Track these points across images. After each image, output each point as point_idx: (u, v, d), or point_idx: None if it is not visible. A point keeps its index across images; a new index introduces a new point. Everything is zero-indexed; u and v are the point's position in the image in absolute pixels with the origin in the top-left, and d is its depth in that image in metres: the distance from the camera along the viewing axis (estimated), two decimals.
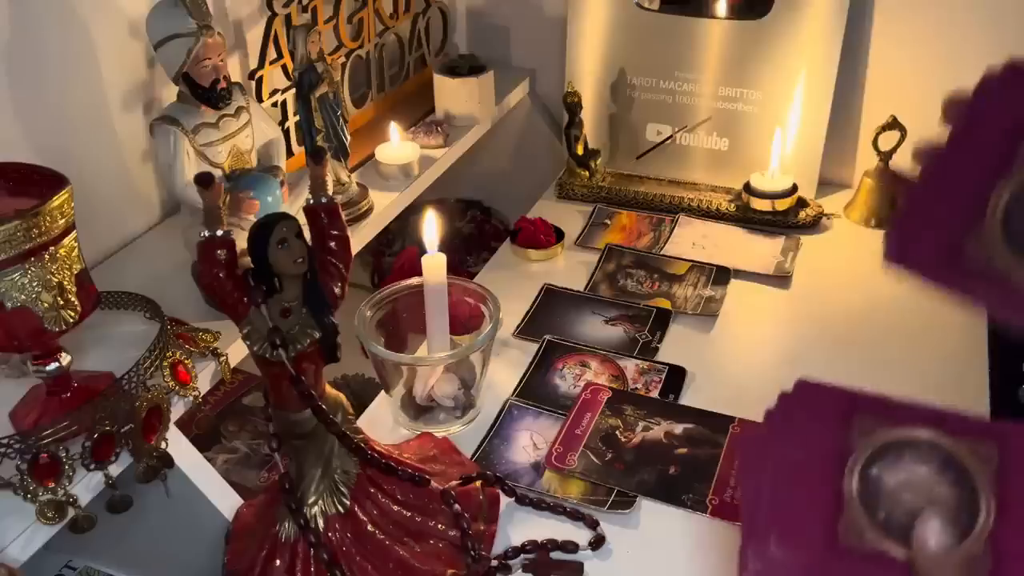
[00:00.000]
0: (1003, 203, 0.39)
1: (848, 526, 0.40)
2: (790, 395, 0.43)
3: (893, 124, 1.11)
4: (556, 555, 0.73)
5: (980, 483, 0.38)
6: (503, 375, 0.93)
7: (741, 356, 0.96)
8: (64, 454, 0.60)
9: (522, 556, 0.72)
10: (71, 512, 0.60)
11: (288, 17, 0.99)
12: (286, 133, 1.03)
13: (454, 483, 0.77)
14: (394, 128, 1.09)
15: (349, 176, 0.99)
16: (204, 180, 0.63)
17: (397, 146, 1.08)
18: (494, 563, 0.71)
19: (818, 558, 0.40)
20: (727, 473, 0.79)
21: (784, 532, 0.40)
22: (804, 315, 1.02)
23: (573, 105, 1.19)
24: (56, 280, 0.59)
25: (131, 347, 0.70)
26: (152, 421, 0.66)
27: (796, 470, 0.41)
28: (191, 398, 0.71)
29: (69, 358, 0.64)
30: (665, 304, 1.03)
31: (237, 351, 0.76)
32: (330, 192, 0.68)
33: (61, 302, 0.59)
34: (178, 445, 0.70)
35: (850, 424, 0.41)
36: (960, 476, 0.39)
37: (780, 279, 1.07)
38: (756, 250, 1.12)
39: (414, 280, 0.88)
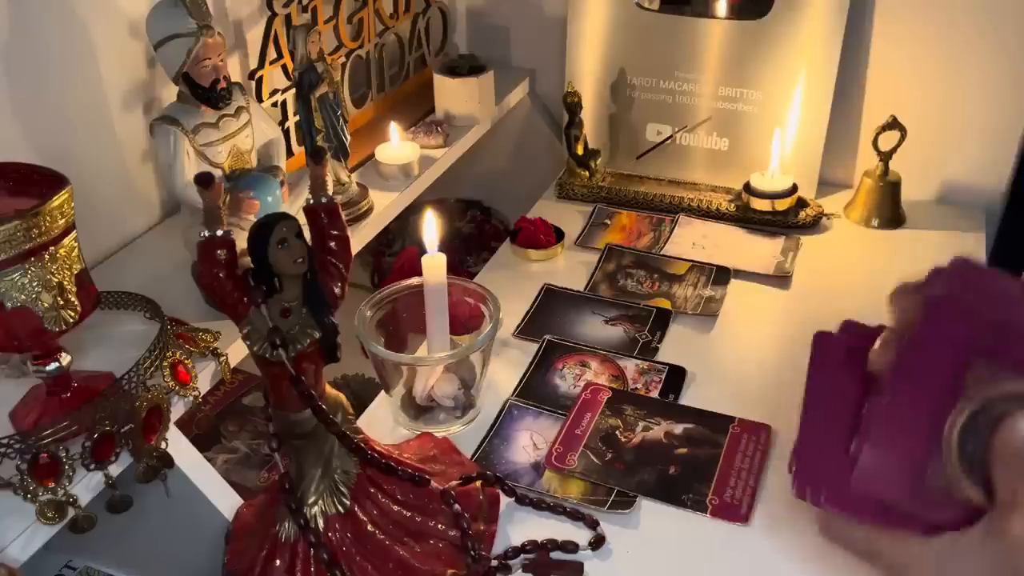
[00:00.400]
0: (956, 434, 0.38)
1: (937, 472, 0.38)
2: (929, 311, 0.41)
3: (893, 124, 1.11)
4: (556, 555, 0.73)
5: None
6: (503, 375, 0.93)
7: (741, 356, 0.96)
8: (64, 454, 0.60)
9: (522, 556, 0.72)
10: (71, 512, 0.60)
11: (288, 17, 0.99)
12: (286, 133, 1.03)
13: (454, 483, 0.77)
14: (394, 128, 1.09)
15: (349, 176, 0.99)
16: (204, 180, 0.63)
17: (397, 146, 1.08)
18: (494, 563, 0.71)
19: (898, 495, 0.38)
20: (727, 473, 0.80)
21: (867, 466, 0.39)
22: (804, 315, 1.01)
23: (573, 105, 1.19)
24: (56, 280, 0.59)
25: (131, 347, 0.70)
26: (152, 421, 0.66)
27: (896, 400, 0.40)
28: (191, 398, 0.71)
29: (69, 358, 0.64)
30: (665, 304, 1.03)
31: (237, 351, 0.76)
32: (330, 192, 0.68)
33: (61, 302, 0.59)
34: (178, 445, 0.70)
35: (968, 364, 0.39)
36: None
37: (780, 279, 1.07)
38: (756, 250, 1.12)
39: (414, 280, 0.88)
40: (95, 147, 0.86)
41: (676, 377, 0.91)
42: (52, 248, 0.58)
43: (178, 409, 0.70)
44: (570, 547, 0.73)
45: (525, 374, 0.93)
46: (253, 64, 0.98)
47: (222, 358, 0.75)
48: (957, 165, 1.18)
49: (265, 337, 0.64)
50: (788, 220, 1.15)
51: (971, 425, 0.38)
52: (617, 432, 0.84)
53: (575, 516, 0.76)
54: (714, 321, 1.00)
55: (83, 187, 0.65)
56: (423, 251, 0.85)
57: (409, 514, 0.73)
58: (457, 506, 0.74)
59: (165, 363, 0.69)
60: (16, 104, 0.77)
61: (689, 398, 0.89)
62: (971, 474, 0.38)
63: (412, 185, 1.07)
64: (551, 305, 1.04)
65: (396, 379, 0.87)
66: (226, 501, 0.75)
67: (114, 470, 0.64)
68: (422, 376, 0.86)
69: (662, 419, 0.86)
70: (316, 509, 0.69)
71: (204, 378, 0.73)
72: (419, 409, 0.88)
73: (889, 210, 1.16)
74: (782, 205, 1.15)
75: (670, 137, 1.24)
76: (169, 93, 0.85)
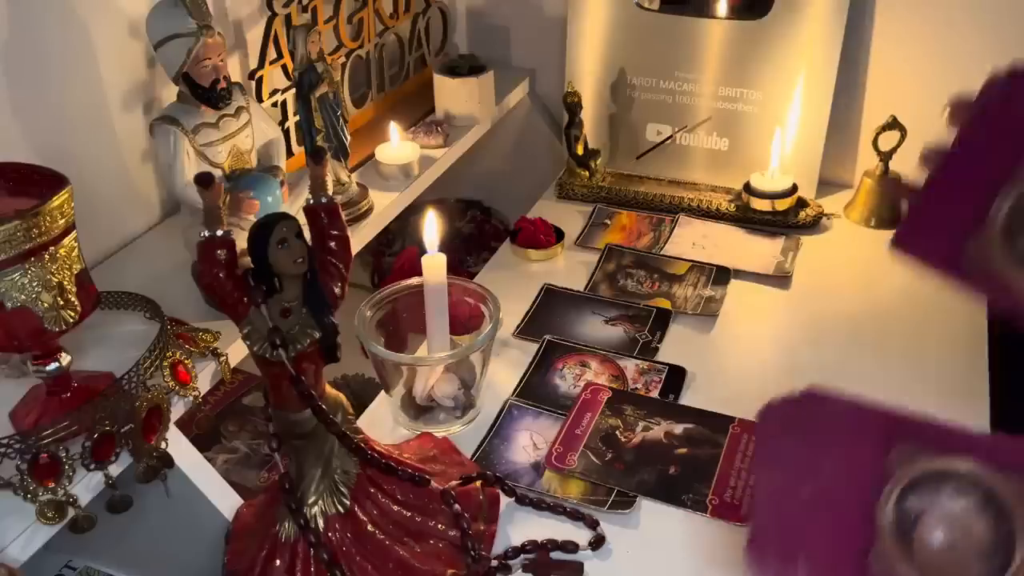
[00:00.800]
0: (1004, 212, 0.39)
1: (879, 557, 0.38)
2: (817, 402, 0.42)
3: (893, 124, 1.11)
4: (556, 555, 0.73)
5: (1019, 523, 0.37)
6: (503, 375, 0.93)
7: (741, 356, 0.96)
8: (64, 454, 0.60)
9: (522, 556, 0.72)
10: (71, 512, 0.60)
11: (288, 17, 0.99)
12: (286, 133, 1.03)
13: (454, 483, 0.77)
14: (394, 128, 1.09)
15: (349, 176, 0.99)
16: (204, 180, 0.63)
17: (397, 146, 1.08)
18: (494, 563, 0.71)
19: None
20: (727, 473, 0.80)
21: (812, 556, 0.39)
22: (804, 315, 1.02)
23: (573, 105, 1.19)
24: (56, 280, 0.59)
25: (131, 347, 0.70)
26: (152, 421, 0.66)
27: (827, 491, 0.40)
28: (191, 398, 0.71)
29: (69, 358, 0.64)
30: (665, 304, 1.03)
31: (237, 351, 0.76)
32: (330, 192, 0.68)
33: (61, 302, 0.59)
34: (178, 445, 0.70)
35: (888, 449, 0.40)
36: (999, 513, 0.37)
37: (780, 279, 1.07)
38: (756, 250, 1.12)
39: (414, 280, 0.88)
40: (95, 147, 0.86)
41: (676, 377, 0.91)
42: (52, 248, 0.58)
43: (178, 409, 0.70)
44: (570, 547, 0.73)
45: (525, 374, 0.93)
46: (253, 64, 0.98)
47: (222, 358, 0.75)
48: None
49: (265, 337, 0.64)
50: (788, 220, 1.15)
51: (1017, 210, 0.38)
52: (617, 432, 0.84)
53: (575, 516, 0.76)
54: (714, 321, 1.00)
55: (83, 187, 0.65)
56: (423, 251, 0.85)
57: (409, 514, 0.73)
58: (457, 506, 0.74)
59: (165, 363, 0.69)
60: (16, 104, 0.77)
61: (689, 398, 0.89)
62: (1011, 252, 0.38)
63: (412, 185, 1.07)
64: (551, 305, 1.04)
65: (396, 379, 0.87)
66: (226, 501, 0.75)
67: (114, 470, 0.64)
68: (422, 376, 0.86)
69: (662, 419, 0.86)
70: (316, 509, 0.69)
71: (204, 378, 0.73)
72: (419, 409, 0.88)
73: (889, 210, 1.15)
74: (782, 205, 1.15)
75: (670, 137, 1.24)
76: (169, 93, 0.85)
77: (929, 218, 0.42)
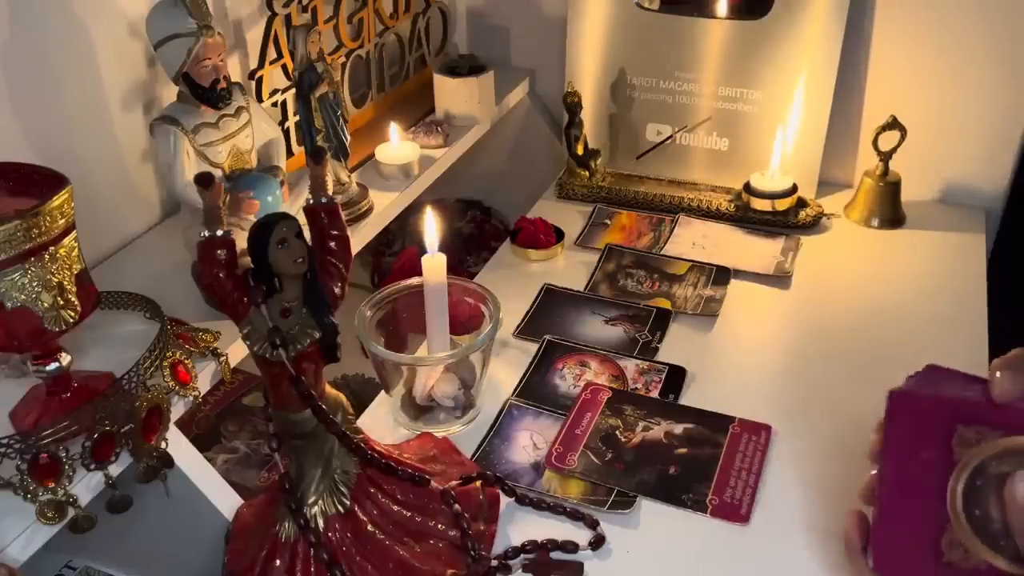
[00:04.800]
0: (959, 499, 0.39)
1: (953, 542, 0.39)
2: (892, 403, 0.43)
3: (893, 124, 1.11)
4: (556, 555, 0.73)
5: None
6: (503, 375, 0.93)
7: (741, 356, 0.96)
8: (64, 454, 0.60)
9: (522, 556, 0.72)
10: (71, 512, 0.60)
11: (288, 17, 0.99)
12: (286, 133, 1.03)
13: (454, 483, 0.77)
14: (394, 128, 1.09)
15: (349, 176, 0.99)
16: (204, 180, 0.63)
17: (397, 146, 1.08)
18: (494, 563, 0.71)
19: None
20: (727, 473, 0.80)
21: (885, 552, 0.40)
22: (804, 315, 1.02)
23: (573, 105, 1.19)
24: (56, 280, 0.59)
25: (131, 347, 0.71)
26: (152, 421, 0.66)
27: (898, 484, 0.41)
28: (191, 398, 0.71)
29: (69, 358, 0.64)
30: (665, 304, 1.03)
31: (237, 351, 0.76)
32: (330, 192, 0.68)
33: (61, 302, 0.59)
34: (178, 445, 0.70)
35: (951, 435, 0.40)
36: None
37: (780, 279, 1.07)
38: (756, 250, 1.12)
39: (414, 280, 0.88)
40: (95, 147, 0.86)
41: (676, 377, 0.91)
42: (52, 248, 0.58)
43: (178, 409, 0.70)
44: (570, 547, 0.73)
45: (525, 374, 0.93)
46: (253, 64, 0.98)
47: (222, 358, 0.75)
48: (957, 165, 1.18)
49: (265, 337, 0.64)
50: (788, 220, 1.15)
51: (972, 488, 0.39)
52: (617, 432, 0.84)
53: (575, 516, 0.76)
54: (714, 321, 1.00)
55: (83, 187, 0.65)
56: (423, 251, 0.85)
57: (409, 514, 0.73)
58: (457, 506, 0.74)
59: (165, 363, 0.69)
60: (16, 104, 0.77)
61: (689, 398, 0.89)
62: (985, 538, 0.38)
63: (412, 185, 1.07)
64: (551, 305, 1.04)
65: (396, 379, 0.87)
66: (226, 501, 0.75)
67: (114, 470, 0.64)
68: (422, 376, 0.86)
69: (662, 419, 0.86)
70: (316, 509, 0.69)
71: (204, 378, 0.73)
72: (419, 409, 0.88)
73: (889, 210, 1.16)
74: (782, 205, 1.15)
75: (670, 137, 1.24)
76: (169, 93, 0.85)
77: (898, 541, 0.42)
